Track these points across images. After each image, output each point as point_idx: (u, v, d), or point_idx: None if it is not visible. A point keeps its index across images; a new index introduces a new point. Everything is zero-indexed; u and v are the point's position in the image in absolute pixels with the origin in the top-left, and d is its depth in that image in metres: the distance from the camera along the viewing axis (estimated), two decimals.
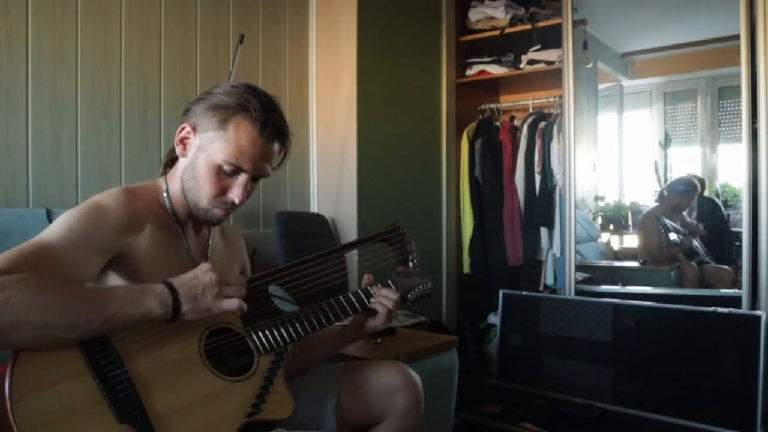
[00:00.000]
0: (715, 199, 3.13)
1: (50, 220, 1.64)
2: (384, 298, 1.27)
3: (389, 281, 1.32)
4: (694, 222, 3.13)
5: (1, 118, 1.72)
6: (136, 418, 0.94)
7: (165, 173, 1.20)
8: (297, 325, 1.18)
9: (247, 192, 1.13)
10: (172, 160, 1.20)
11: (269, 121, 1.09)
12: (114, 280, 1.06)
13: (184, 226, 1.18)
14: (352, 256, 1.36)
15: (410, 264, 1.35)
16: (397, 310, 1.30)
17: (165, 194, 1.17)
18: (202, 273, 1.01)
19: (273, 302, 1.18)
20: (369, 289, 1.30)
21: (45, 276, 0.91)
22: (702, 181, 3.16)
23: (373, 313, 1.29)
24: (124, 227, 1.05)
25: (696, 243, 3.07)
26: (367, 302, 1.28)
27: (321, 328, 1.21)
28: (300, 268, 1.21)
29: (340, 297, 1.25)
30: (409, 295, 1.33)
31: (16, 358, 0.87)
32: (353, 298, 1.27)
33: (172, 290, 0.98)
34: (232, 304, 1.02)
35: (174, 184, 1.16)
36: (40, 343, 0.88)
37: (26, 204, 1.78)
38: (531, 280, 3.08)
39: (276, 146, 1.13)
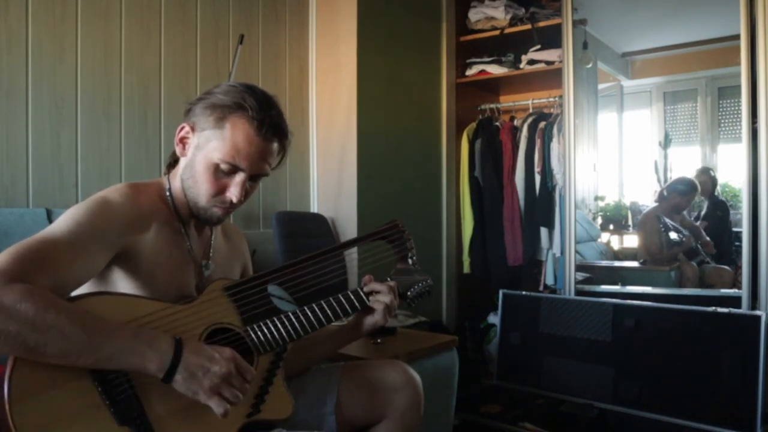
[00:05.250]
0: (722, 199, 3.11)
1: (50, 220, 1.64)
2: (381, 294, 1.26)
3: (388, 279, 1.31)
4: (695, 222, 3.13)
5: (1, 118, 1.73)
6: (136, 419, 0.94)
7: (168, 173, 1.20)
8: (296, 325, 1.17)
9: (246, 191, 1.13)
10: (175, 161, 1.20)
11: (266, 120, 1.08)
12: (117, 275, 1.06)
13: (187, 226, 1.18)
14: (351, 255, 1.35)
15: (410, 261, 1.32)
16: (395, 307, 1.29)
17: (168, 193, 1.17)
18: (219, 359, 0.97)
19: (272, 302, 1.18)
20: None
21: (53, 279, 0.91)
22: (714, 180, 3.13)
23: (372, 310, 1.28)
24: (130, 224, 1.05)
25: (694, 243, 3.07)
26: (366, 300, 1.27)
27: (320, 327, 1.20)
28: (299, 267, 1.21)
29: (339, 295, 1.25)
30: (409, 293, 1.31)
31: (15, 360, 0.87)
32: (352, 297, 1.26)
33: (178, 354, 0.94)
34: (219, 408, 0.97)
35: (176, 184, 1.16)
36: (28, 357, 0.87)
37: (26, 204, 1.78)
38: (531, 280, 3.08)
39: (274, 145, 1.12)
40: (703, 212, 3.14)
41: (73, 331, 0.87)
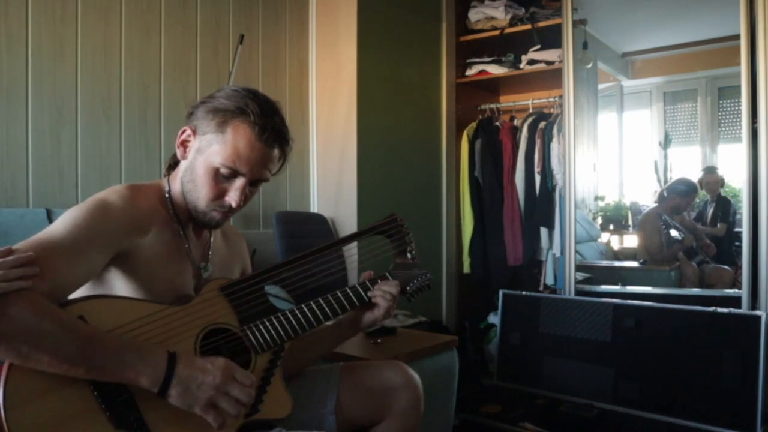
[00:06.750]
0: (729, 199, 3.11)
1: (50, 220, 1.64)
2: (383, 290, 1.25)
3: (387, 273, 1.30)
4: (696, 223, 3.13)
5: (1, 118, 1.73)
6: (133, 423, 0.93)
7: (168, 175, 1.20)
8: (294, 323, 1.17)
9: (245, 196, 1.13)
10: (175, 163, 1.20)
11: (268, 125, 1.08)
12: (115, 277, 1.05)
13: (186, 228, 1.18)
14: (350, 251, 1.34)
15: (409, 255, 1.31)
16: (396, 303, 1.28)
17: (167, 195, 1.17)
18: (213, 369, 0.95)
19: (269, 300, 1.18)
20: (366, 282, 1.28)
21: (51, 281, 0.91)
22: (721, 179, 3.11)
23: (371, 306, 1.27)
24: (129, 226, 1.05)
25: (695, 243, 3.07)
26: (364, 296, 1.26)
27: (318, 324, 1.20)
28: (296, 264, 1.20)
29: (337, 292, 1.24)
30: (408, 287, 1.30)
31: (10, 366, 0.86)
32: (350, 293, 1.25)
33: (171, 368, 0.93)
34: (215, 421, 0.95)
35: (175, 186, 1.16)
36: (21, 364, 0.86)
37: (26, 204, 1.78)
38: (531, 280, 3.08)
39: (275, 151, 1.12)
40: (710, 212, 3.12)
41: (66, 341, 0.87)
